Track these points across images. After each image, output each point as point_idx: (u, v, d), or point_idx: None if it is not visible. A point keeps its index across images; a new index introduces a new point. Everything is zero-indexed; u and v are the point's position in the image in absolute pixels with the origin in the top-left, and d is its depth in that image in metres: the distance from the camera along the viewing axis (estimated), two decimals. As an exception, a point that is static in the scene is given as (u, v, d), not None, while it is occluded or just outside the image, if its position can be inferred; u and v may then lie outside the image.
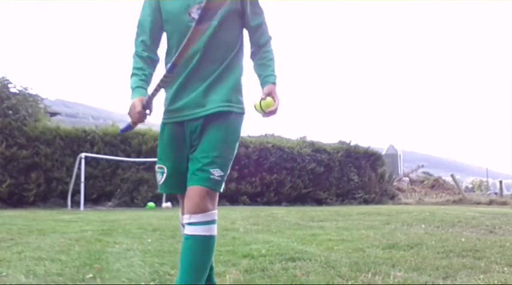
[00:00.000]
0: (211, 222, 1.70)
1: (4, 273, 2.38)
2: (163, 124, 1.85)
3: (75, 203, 9.43)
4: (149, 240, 3.79)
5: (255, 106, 1.77)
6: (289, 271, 2.51)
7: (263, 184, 12.09)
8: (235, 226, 5.03)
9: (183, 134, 1.80)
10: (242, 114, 1.81)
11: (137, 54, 1.85)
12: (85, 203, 9.26)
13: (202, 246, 1.70)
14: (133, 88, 1.78)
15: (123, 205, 10.22)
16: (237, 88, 1.80)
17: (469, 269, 2.58)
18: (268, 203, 11.85)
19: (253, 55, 1.92)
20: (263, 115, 1.80)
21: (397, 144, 21.80)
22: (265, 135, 16.92)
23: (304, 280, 2.31)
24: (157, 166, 1.85)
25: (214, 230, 1.72)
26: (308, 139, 14.31)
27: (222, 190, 1.76)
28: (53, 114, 13.61)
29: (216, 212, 1.73)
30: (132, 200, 10.45)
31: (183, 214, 1.79)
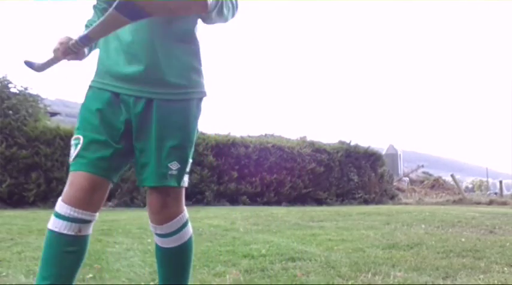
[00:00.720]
0: (182, 227, 1.54)
1: (4, 273, 2.38)
2: (92, 88, 1.51)
3: (75, 203, 9.43)
4: (149, 240, 3.79)
5: None
6: (289, 271, 2.51)
7: (263, 184, 12.09)
8: (235, 226, 5.03)
9: (117, 105, 1.46)
10: (201, 98, 1.55)
11: (95, 6, 1.62)
12: (85, 203, 9.26)
13: (177, 257, 1.57)
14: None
15: (123, 204, 10.22)
16: (195, 68, 1.52)
17: (469, 269, 2.58)
18: (268, 203, 11.84)
19: None
20: None
21: (397, 144, 21.81)
22: (265, 134, 16.93)
23: (304, 280, 2.31)
24: (74, 136, 1.46)
25: (187, 233, 1.57)
26: (308, 139, 14.31)
27: (187, 185, 1.55)
28: (53, 114, 13.61)
29: (185, 213, 1.56)
30: (132, 200, 10.44)
31: (67, 200, 1.41)
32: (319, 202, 12.77)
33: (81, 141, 1.43)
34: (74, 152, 1.44)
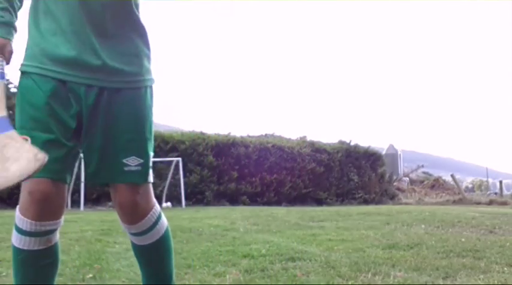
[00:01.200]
0: (156, 222, 1.44)
1: (4, 273, 2.38)
2: (30, 74, 1.32)
3: (75, 203, 9.43)
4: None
5: None
6: (289, 271, 2.51)
7: (263, 184, 12.09)
8: (235, 226, 5.03)
9: (66, 96, 1.30)
10: (152, 86, 1.44)
11: None
12: (85, 203, 9.26)
13: (156, 252, 1.48)
14: None
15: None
16: (146, 53, 1.41)
17: (469, 269, 2.58)
18: (268, 203, 11.85)
19: None
20: None
21: (397, 144, 21.82)
22: (265, 134, 16.93)
23: (304, 280, 2.31)
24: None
25: (162, 226, 1.47)
26: (308, 139, 14.33)
27: (152, 180, 1.43)
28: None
29: (156, 207, 1.46)
30: (132, 200, 10.46)
31: (28, 213, 1.32)
32: (319, 202, 12.78)
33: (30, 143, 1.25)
34: None
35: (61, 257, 2.90)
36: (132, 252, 3.08)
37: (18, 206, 1.35)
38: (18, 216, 1.35)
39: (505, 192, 19.12)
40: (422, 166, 24.41)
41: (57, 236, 1.43)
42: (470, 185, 25.30)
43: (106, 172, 1.35)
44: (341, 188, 13.49)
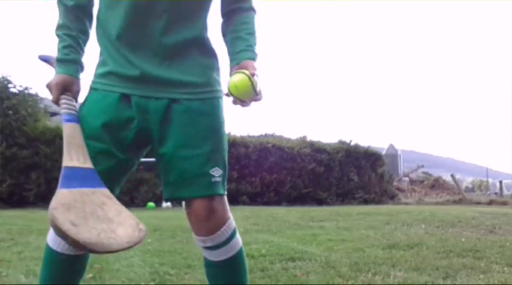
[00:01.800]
0: (232, 235, 1.40)
1: (4, 273, 2.38)
2: (96, 90, 1.35)
3: (75, 203, 9.43)
4: (149, 240, 3.79)
5: (228, 88, 1.27)
6: (289, 271, 2.51)
7: (263, 184, 12.09)
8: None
9: (127, 109, 1.32)
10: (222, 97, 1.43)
11: (60, 1, 1.36)
12: (85, 203, 9.25)
13: (232, 270, 1.41)
14: (58, 59, 1.34)
15: (123, 204, 10.18)
16: (215, 65, 1.42)
17: (469, 269, 2.58)
18: (268, 203, 11.84)
19: (225, 27, 1.44)
20: (235, 102, 1.28)
21: (397, 144, 21.81)
22: (265, 134, 16.95)
23: (304, 280, 2.31)
24: None
25: (238, 242, 1.42)
26: (308, 139, 14.32)
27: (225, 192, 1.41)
28: (53, 114, 13.61)
29: (231, 219, 1.42)
30: (132, 200, 10.44)
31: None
32: (319, 202, 12.77)
33: None
34: None
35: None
36: (132, 253, 3.09)
37: None
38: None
39: (505, 192, 19.10)
40: (422, 166, 24.40)
41: None
42: (470, 185, 25.26)
43: (190, 183, 1.32)
44: (341, 188, 13.49)
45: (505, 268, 2.62)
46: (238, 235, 1.43)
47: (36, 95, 10.60)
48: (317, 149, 13.39)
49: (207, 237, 1.35)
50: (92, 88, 1.37)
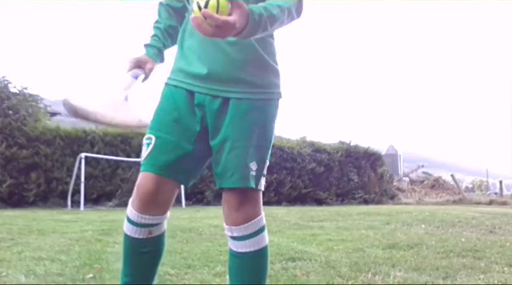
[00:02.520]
0: (260, 231, 1.44)
1: (4, 273, 2.38)
2: (168, 86, 1.48)
3: (75, 203, 9.43)
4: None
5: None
6: (289, 271, 2.51)
7: (263, 184, 12.10)
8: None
9: (191, 104, 1.43)
10: (278, 99, 1.51)
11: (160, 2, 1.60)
12: (85, 203, 9.26)
13: (253, 264, 1.45)
14: (144, 45, 1.54)
15: (123, 205, 10.19)
16: (273, 67, 1.48)
17: (469, 269, 2.58)
18: (268, 203, 11.85)
19: None
20: (200, 25, 1.08)
21: (397, 144, 21.81)
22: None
23: (304, 280, 2.31)
24: (146, 136, 1.45)
25: (264, 239, 1.46)
26: (308, 139, 14.32)
27: (263, 188, 1.48)
28: (53, 114, 13.61)
29: (262, 216, 1.46)
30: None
31: (134, 205, 1.43)
32: (319, 202, 12.78)
33: (153, 141, 1.41)
34: (145, 152, 1.42)
35: (61, 257, 2.90)
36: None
37: (130, 200, 1.47)
38: (129, 208, 1.46)
39: (505, 192, 19.10)
40: (422, 166, 24.42)
41: (163, 228, 1.51)
42: (470, 185, 25.26)
43: (235, 176, 1.39)
44: (341, 188, 13.49)
45: (505, 268, 2.61)
46: (266, 234, 1.47)
47: (36, 95, 10.61)
48: (317, 149, 13.39)
49: (235, 227, 1.41)
50: (165, 84, 1.50)
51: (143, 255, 1.49)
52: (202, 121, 1.42)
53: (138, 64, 1.47)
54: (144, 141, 1.44)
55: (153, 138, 1.40)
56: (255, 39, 1.34)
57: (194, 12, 1.10)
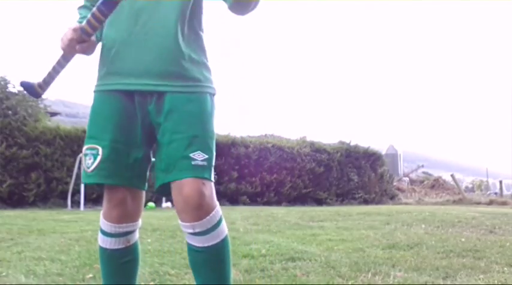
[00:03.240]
0: (219, 222, 1.42)
1: (4, 273, 2.38)
2: (100, 92, 1.45)
3: (75, 203, 9.43)
4: (149, 240, 3.79)
5: None
6: (289, 271, 2.51)
7: (263, 184, 12.09)
8: (235, 226, 5.03)
9: (132, 107, 1.42)
10: (214, 94, 1.51)
11: None
12: (85, 203, 9.26)
13: (219, 256, 1.43)
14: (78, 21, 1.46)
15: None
16: (205, 63, 1.49)
17: (469, 269, 2.58)
18: (268, 203, 11.85)
19: None
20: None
21: (397, 144, 21.82)
22: (265, 134, 16.93)
23: (304, 280, 2.31)
24: (86, 146, 1.42)
25: (225, 229, 1.45)
26: (308, 139, 14.32)
27: (213, 179, 1.45)
28: (53, 114, 13.61)
29: (219, 208, 1.44)
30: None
31: (108, 217, 1.46)
32: (319, 202, 12.78)
33: (100, 152, 1.39)
34: (92, 163, 1.39)
35: (61, 257, 2.90)
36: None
37: (102, 211, 1.50)
38: (102, 220, 1.49)
39: (505, 192, 19.09)
40: (422, 166, 24.43)
41: (136, 236, 1.55)
42: (470, 185, 25.24)
43: (174, 167, 1.37)
44: (341, 188, 13.49)
45: (505, 268, 2.61)
46: (224, 223, 1.46)
47: (36, 95, 10.59)
48: (317, 149, 13.39)
49: (197, 223, 1.37)
50: (95, 92, 1.47)
51: (124, 265, 1.51)
52: (143, 122, 1.43)
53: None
54: (87, 151, 1.40)
55: (100, 148, 1.38)
56: (182, 32, 1.40)
57: None
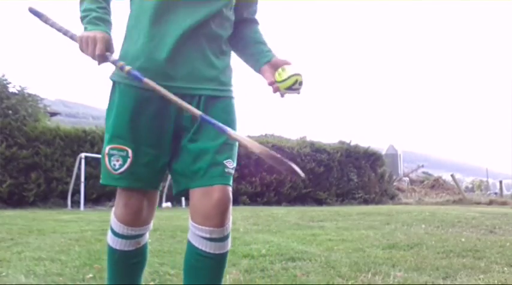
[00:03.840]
0: (230, 232, 1.43)
1: (4, 273, 2.38)
2: (129, 86, 1.34)
3: (75, 203, 9.43)
4: (149, 240, 3.79)
5: (278, 86, 1.37)
6: (289, 271, 2.51)
7: (263, 184, 12.09)
8: (235, 226, 5.03)
9: (166, 108, 1.35)
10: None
11: None
12: (85, 203, 9.26)
13: (223, 264, 1.43)
14: (93, 17, 1.33)
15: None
16: (231, 67, 1.50)
17: (469, 269, 2.58)
18: (268, 203, 11.85)
19: (239, 34, 1.50)
20: (284, 94, 1.40)
21: (397, 144, 21.82)
22: (265, 135, 16.91)
23: (304, 280, 2.31)
24: (112, 146, 1.33)
25: (230, 241, 1.46)
26: (308, 139, 14.32)
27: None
28: (53, 114, 13.62)
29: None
30: (132, 200, 10.45)
31: (123, 220, 1.42)
32: (319, 202, 12.78)
33: (130, 154, 1.33)
34: (122, 166, 1.33)
35: (61, 257, 2.90)
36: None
37: (114, 211, 1.46)
38: (114, 220, 1.46)
39: (505, 192, 19.10)
40: (422, 166, 24.42)
41: (146, 238, 1.53)
42: (470, 185, 25.24)
43: (206, 173, 1.33)
44: (341, 188, 13.49)
45: (505, 268, 2.61)
46: None
47: (36, 95, 10.60)
48: (317, 149, 13.39)
49: (217, 229, 1.35)
50: (127, 85, 1.36)
51: (132, 266, 1.50)
52: (175, 124, 1.37)
53: (108, 48, 1.33)
54: (113, 152, 1.33)
55: (129, 151, 1.32)
56: (218, 40, 1.39)
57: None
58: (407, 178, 19.73)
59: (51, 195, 9.83)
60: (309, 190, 12.82)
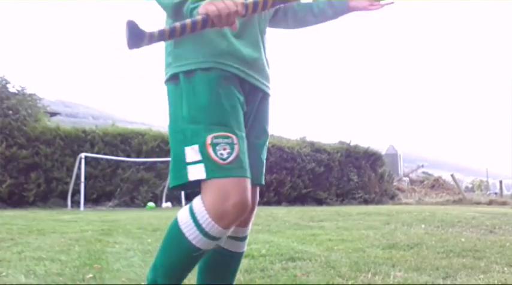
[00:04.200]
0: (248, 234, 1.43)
1: (4, 273, 2.38)
2: (222, 71, 1.24)
3: (75, 203, 9.44)
4: (149, 240, 3.79)
5: None
6: (289, 271, 2.51)
7: (263, 184, 12.10)
8: (235, 226, 5.03)
9: (242, 97, 1.30)
10: None
11: None
12: (85, 203, 9.26)
13: (240, 262, 1.41)
14: None
15: (123, 205, 10.22)
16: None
17: (469, 269, 2.58)
18: (268, 203, 11.85)
19: (288, 14, 1.50)
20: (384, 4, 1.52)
21: (397, 144, 21.83)
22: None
23: (304, 280, 2.31)
24: (215, 134, 1.17)
25: None
26: (308, 139, 14.32)
27: None
28: (53, 114, 13.62)
29: None
30: (132, 200, 10.45)
31: (229, 222, 1.18)
32: (319, 202, 12.78)
33: (236, 141, 1.18)
34: (231, 154, 1.17)
35: (61, 257, 2.90)
36: (132, 253, 3.09)
37: (207, 206, 1.17)
38: (208, 220, 1.17)
39: (505, 192, 19.09)
40: (422, 166, 24.41)
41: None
42: (470, 185, 25.24)
43: (258, 171, 1.31)
44: (341, 188, 13.50)
45: (505, 268, 2.61)
46: None
47: (36, 95, 10.61)
48: (317, 149, 13.40)
49: (243, 228, 1.34)
50: (214, 69, 1.25)
51: (196, 259, 1.30)
52: (245, 113, 1.30)
53: None
54: (219, 140, 1.17)
55: (234, 138, 1.18)
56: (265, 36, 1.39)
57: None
58: (407, 178, 19.73)
59: (51, 195, 9.84)
60: (309, 190, 12.82)
